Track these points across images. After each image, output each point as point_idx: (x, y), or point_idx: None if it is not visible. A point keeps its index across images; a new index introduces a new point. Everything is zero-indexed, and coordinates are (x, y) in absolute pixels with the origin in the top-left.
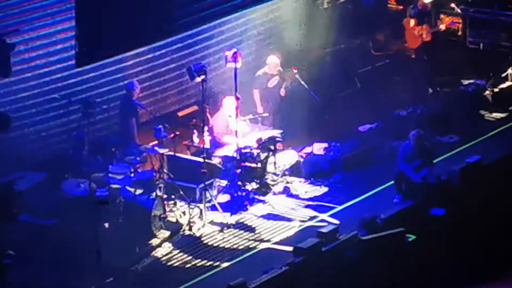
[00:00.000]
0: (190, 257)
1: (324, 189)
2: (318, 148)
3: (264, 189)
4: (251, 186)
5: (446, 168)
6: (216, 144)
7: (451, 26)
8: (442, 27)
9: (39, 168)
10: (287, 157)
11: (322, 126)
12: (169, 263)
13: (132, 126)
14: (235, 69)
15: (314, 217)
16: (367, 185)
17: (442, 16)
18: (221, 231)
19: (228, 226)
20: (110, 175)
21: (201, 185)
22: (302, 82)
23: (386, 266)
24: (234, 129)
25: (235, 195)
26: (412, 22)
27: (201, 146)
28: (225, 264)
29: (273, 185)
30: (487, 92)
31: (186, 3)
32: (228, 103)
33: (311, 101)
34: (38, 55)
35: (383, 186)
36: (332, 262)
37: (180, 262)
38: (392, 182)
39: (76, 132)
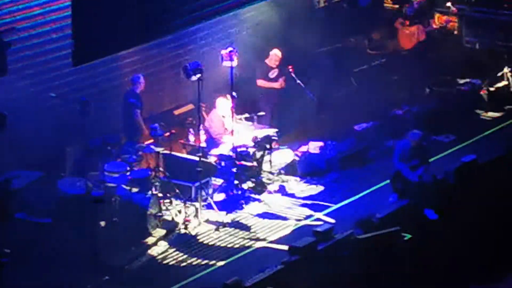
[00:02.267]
0: (186, 256)
1: (320, 188)
2: (314, 147)
3: (260, 187)
4: (247, 185)
5: (441, 167)
6: (213, 142)
7: (446, 24)
8: (436, 25)
9: (35, 166)
10: (283, 156)
11: (318, 125)
12: (164, 262)
13: (137, 117)
14: (231, 67)
15: (310, 216)
16: (363, 184)
17: (437, 15)
18: (217, 229)
19: (224, 224)
20: (106, 173)
21: (197, 184)
22: (298, 81)
23: (382, 265)
24: (230, 128)
25: (231, 193)
26: (404, 23)
27: (197, 144)
28: (220, 263)
29: (268, 184)
30: (483, 91)
31: (186, 1)
32: (221, 104)
33: (307, 100)
34: (35, 53)
35: (379, 185)
36: (327, 261)
37: (176, 260)
38: (388, 181)
39: (91, 140)
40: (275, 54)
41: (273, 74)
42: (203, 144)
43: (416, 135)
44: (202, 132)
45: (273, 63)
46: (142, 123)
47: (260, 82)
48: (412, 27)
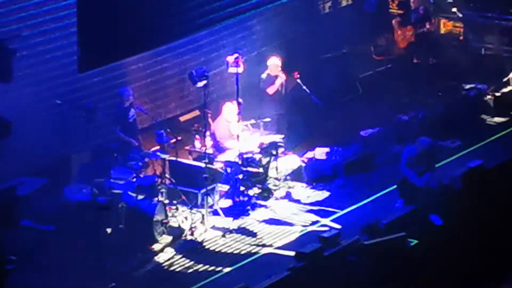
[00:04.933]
0: (192, 262)
1: (326, 194)
2: (320, 153)
3: (266, 194)
4: (253, 191)
5: (448, 173)
6: (219, 148)
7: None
8: (431, 27)
9: (40, 173)
10: (289, 162)
11: (324, 131)
12: (171, 268)
13: (118, 132)
14: (237, 74)
15: (316, 222)
16: (369, 189)
17: (443, 20)
18: (223, 236)
19: (230, 231)
20: (112, 180)
21: (203, 190)
22: (304, 87)
23: (388, 271)
24: (236, 133)
25: (237, 200)
26: (401, 22)
27: (203, 151)
28: (227, 269)
29: (275, 190)
30: (489, 96)
31: (192, 7)
32: (228, 109)
33: (313, 106)
34: (40, 60)
35: (385, 191)
36: (334, 267)
37: (182, 267)
38: (394, 186)
39: (96, 146)
40: (273, 63)
41: (278, 83)
42: (210, 150)
43: (425, 142)
44: (208, 138)
45: (274, 71)
46: (124, 138)
47: (270, 90)
48: (405, 27)
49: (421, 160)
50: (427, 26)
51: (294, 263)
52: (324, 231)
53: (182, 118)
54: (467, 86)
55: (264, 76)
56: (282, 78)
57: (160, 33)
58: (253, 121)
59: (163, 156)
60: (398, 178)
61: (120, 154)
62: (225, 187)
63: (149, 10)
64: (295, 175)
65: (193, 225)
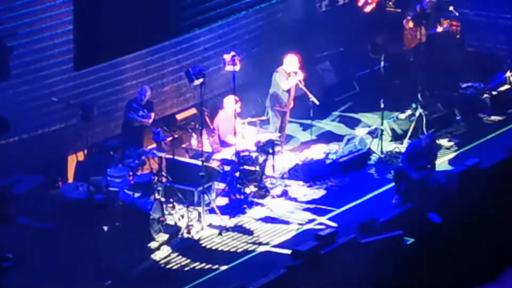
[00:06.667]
0: (189, 260)
1: (323, 192)
2: (317, 151)
3: (263, 192)
4: (250, 189)
5: (445, 171)
6: (223, 143)
7: (449, 29)
8: (440, 29)
9: (37, 171)
10: (286, 160)
11: (321, 128)
12: (167, 266)
13: (133, 117)
14: (234, 72)
15: (313, 220)
16: (365, 188)
17: (441, 19)
18: (220, 234)
19: (227, 229)
20: (108, 178)
21: (200, 188)
22: (301, 86)
23: (385, 269)
24: (237, 129)
25: (234, 198)
26: (411, 23)
27: (200, 149)
28: (223, 267)
29: (271, 188)
30: (486, 95)
31: (188, 5)
32: (229, 102)
33: (310, 104)
34: (37, 58)
35: (381, 189)
36: (330, 266)
37: (179, 265)
38: (391, 185)
39: (94, 144)
40: (290, 59)
41: (293, 80)
42: (209, 147)
43: (429, 137)
44: (205, 136)
45: (290, 68)
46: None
47: (284, 85)
48: (416, 27)
49: (423, 154)
50: (438, 26)
51: (290, 261)
52: (321, 230)
53: (179, 116)
54: (464, 85)
55: (279, 70)
56: (299, 75)
57: (157, 31)
58: (249, 119)
59: (159, 154)
60: (395, 170)
61: (116, 152)
62: (222, 185)
63: (145, 8)
64: (292, 173)
65: (189, 223)
